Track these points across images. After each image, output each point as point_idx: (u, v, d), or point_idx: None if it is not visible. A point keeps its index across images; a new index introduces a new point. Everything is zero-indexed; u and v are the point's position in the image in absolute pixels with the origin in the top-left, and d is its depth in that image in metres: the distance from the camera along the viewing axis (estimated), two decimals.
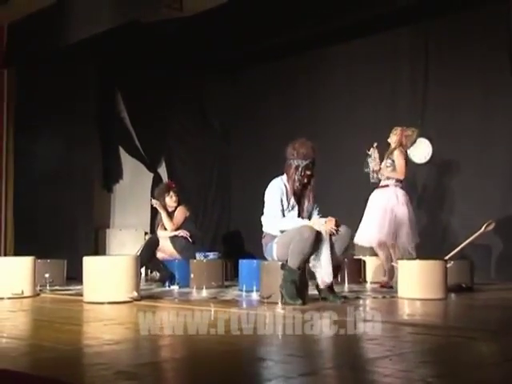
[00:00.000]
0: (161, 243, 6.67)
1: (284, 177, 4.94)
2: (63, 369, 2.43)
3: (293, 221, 4.81)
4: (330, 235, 4.68)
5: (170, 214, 6.85)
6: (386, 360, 2.50)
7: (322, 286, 4.74)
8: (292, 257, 4.63)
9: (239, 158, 9.81)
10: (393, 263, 6.09)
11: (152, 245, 6.67)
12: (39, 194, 8.12)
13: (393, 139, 6.46)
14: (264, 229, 4.99)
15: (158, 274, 6.90)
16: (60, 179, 8.30)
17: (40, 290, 5.93)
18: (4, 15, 7.84)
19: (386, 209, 6.21)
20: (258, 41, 8.60)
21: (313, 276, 4.79)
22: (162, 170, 9.44)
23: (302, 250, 4.60)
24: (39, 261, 6.00)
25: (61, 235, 8.06)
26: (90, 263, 5.08)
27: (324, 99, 8.79)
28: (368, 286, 6.71)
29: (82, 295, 5.08)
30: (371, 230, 6.23)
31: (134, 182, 9.31)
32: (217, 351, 2.81)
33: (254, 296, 5.33)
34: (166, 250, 6.70)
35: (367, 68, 8.44)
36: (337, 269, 6.00)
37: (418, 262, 5.42)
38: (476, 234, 6.20)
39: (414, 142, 6.61)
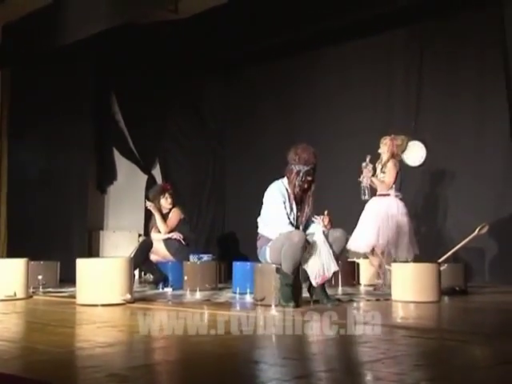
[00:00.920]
0: (154, 245, 6.66)
1: (285, 180, 4.93)
2: (56, 371, 2.42)
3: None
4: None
5: (165, 216, 6.84)
6: (380, 363, 2.50)
7: (327, 277, 4.73)
8: (285, 262, 4.64)
9: (234, 159, 9.81)
10: (386, 266, 6.10)
11: (146, 247, 6.66)
12: (33, 195, 8.09)
13: (383, 149, 6.41)
14: (260, 230, 4.98)
15: (151, 276, 6.89)
16: (54, 180, 8.28)
17: (33, 292, 5.91)
18: None
19: (385, 216, 6.20)
20: (253, 42, 8.62)
21: (306, 279, 4.80)
22: (157, 172, 9.43)
23: (294, 255, 4.60)
24: (32, 263, 5.98)
25: (54, 237, 8.03)
26: (83, 265, 5.07)
27: (319, 101, 8.80)
28: (362, 288, 6.71)
29: (75, 297, 5.07)
30: (368, 236, 6.22)
31: (129, 183, 9.30)
32: (210, 354, 2.81)
33: (248, 298, 5.32)
34: (159, 252, 6.69)
35: (362, 70, 8.47)
36: None
37: (411, 264, 5.43)
38: (469, 237, 6.21)
39: (405, 149, 6.54)
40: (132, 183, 9.26)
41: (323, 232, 4.74)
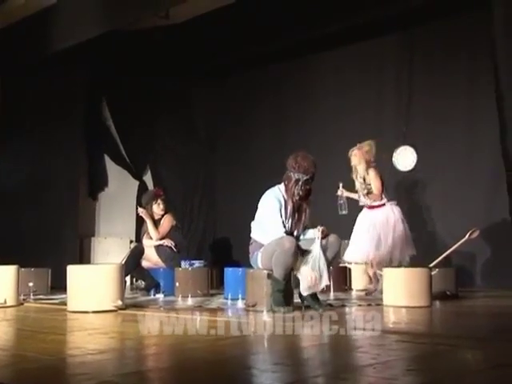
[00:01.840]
0: (146, 252, 6.65)
1: (282, 187, 4.89)
2: (46, 379, 2.41)
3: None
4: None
5: (157, 222, 6.83)
6: (371, 368, 2.50)
7: (322, 288, 4.73)
8: (276, 268, 4.64)
9: (225, 165, 9.81)
10: (378, 271, 6.11)
11: (137, 253, 6.65)
12: (23, 202, 8.06)
13: (355, 161, 6.37)
14: (252, 235, 4.97)
15: (143, 283, 6.88)
16: (45, 187, 8.25)
17: (24, 300, 5.88)
18: None
19: (384, 226, 6.21)
20: (244, 47, 8.64)
21: (297, 285, 4.80)
22: (148, 178, 9.42)
23: (285, 261, 4.60)
24: (23, 269, 5.94)
25: (45, 243, 7.99)
26: (74, 272, 5.04)
27: (309, 107, 8.82)
28: (354, 293, 6.71)
29: (66, 304, 5.04)
30: (366, 246, 6.23)
31: (120, 189, 9.28)
32: (202, 360, 2.80)
33: (240, 304, 5.31)
34: (151, 258, 6.67)
35: (353, 75, 8.50)
36: None
37: (402, 269, 5.44)
38: (460, 242, 6.23)
39: (375, 153, 6.40)
40: (123, 190, 9.24)
41: (321, 244, 4.73)
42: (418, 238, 7.17)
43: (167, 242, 6.69)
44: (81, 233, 8.80)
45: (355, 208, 6.44)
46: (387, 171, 7.72)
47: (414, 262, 6.16)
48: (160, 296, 6.29)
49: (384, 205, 6.32)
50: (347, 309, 5.02)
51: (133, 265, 6.47)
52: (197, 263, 6.57)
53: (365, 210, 6.40)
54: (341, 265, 7.11)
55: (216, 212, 9.95)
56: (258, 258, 4.84)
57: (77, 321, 4.49)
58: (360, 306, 5.27)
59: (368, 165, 6.33)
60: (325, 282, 4.67)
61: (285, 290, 4.64)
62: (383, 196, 6.35)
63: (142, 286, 6.90)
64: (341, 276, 7.01)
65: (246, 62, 9.22)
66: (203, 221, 9.83)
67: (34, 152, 8.22)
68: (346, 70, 8.58)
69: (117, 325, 4.23)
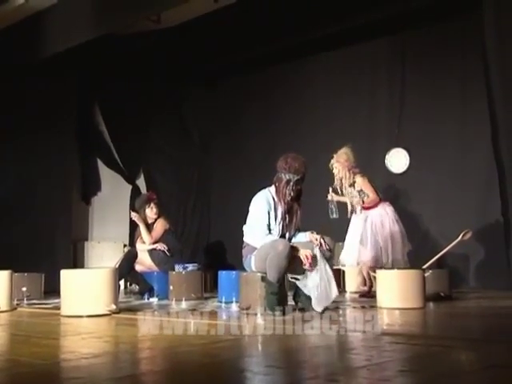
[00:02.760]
0: (139, 256, 6.64)
1: (272, 189, 4.90)
2: None
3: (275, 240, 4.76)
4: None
5: (150, 226, 6.83)
6: (365, 369, 2.50)
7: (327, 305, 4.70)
8: (270, 271, 4.64)
9: (219, 169, 9.82)
10: (371, 273, 6.13)
11: (130, 257, 6.64)
12: (17, 206, 8.03)
13: (340, 174, 6.35)
14: (245, 238, 4.98)
15: (136, 287, 6.87)
16: (38, 191, 8.23)
17: (17, 304, 5.86)
18: None
19: (378, 228, 6.23)
20: (237, 52, 8.65)
21: (291, 287, 4.80)
22: (141, 182, 9.41)
23: (278, 264, 4.60)
24: (16, 274, 5.92)
25: (39, 248, 7.97)
26: (67, 276, 5.03)
27: (303, 110, 8.84)
28: (347, 295, 6.72)
29: (59, 309, 5.03)
30: (361, 249, 6.24)
31: (113, 194, 9.26)
32: (197, 363, 2.80)
33: (234, 307, 5.31)
34: (144, 262, 6.66)
35: (345, 79, 8.52)
36: None
37: (396, 271, 5.45)
38: (453, 243, 6.25)
39: (353, 157, 6.37)
40: (116, 194, 9.23)
41: (321, 253, 4.73)
42: (411, 239, 7.19)
43: (160, 246, 6.68)
44: (74, 237, 8.79)
45: (346, 211, 6.45)
46: (380, 174, 7.76)
47: (407, 264, 6.18)
48: (154, 300, 6.29)
49: (377, 205, 6.33)
50: (341, 311, 5.02)
51: (126, 269, 6.46)
52: (191, 266, 6.56)
53: (362, 213, 6.39)
54: (334, 267, 7.12)
55: (210, 215, 9.95)
56: (252, 261, 4.85)
57: (70, 325, 4.48)
58: (354, 307, 5.28)
59: (352, 173, 6.32)
60: (335, 292, 4.66)
61: (278, 293, 4.65)
62: (379, 196, 6.37)
63: (136, 289, 6.89)
64: (334, 278, 6.99)
65: (238, 65, 9.23)
66: (197, 224, 9.83)
67: (27, 157, 8.19)
68: (338, 73, 8.60)
69: (111, 329, 4.22)
